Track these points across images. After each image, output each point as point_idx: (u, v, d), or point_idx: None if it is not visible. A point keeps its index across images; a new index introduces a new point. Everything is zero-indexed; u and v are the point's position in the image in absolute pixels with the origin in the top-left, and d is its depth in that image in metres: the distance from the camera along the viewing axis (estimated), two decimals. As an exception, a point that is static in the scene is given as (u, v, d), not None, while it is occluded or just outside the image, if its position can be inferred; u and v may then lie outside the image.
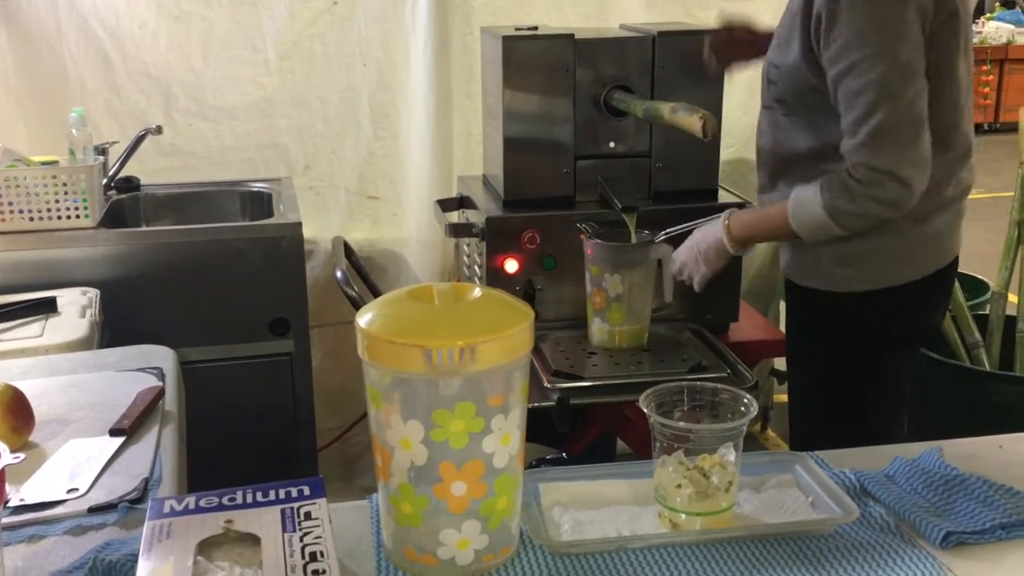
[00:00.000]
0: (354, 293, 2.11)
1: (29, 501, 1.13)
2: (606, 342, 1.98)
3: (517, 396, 0.96)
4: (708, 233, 1.77)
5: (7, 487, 1.08)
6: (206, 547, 0.89)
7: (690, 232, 1.84)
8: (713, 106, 2.03)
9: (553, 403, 1.81)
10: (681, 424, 1.05)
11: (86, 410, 1.39)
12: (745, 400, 1.08)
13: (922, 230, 1.60)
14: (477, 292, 0.99)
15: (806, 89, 1.56)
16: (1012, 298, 2.67)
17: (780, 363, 2.66)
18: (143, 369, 1.55)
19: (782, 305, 1.99)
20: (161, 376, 1.52)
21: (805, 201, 1.57)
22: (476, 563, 0.97)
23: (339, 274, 2.13)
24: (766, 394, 3.09)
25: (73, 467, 1.22)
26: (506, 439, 0.95)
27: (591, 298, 1.97)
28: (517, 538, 1.02)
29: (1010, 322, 2.62)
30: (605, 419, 2.18)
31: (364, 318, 0.95)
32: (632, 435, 2.15)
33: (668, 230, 1.93)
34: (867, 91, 1.46)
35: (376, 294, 2.50)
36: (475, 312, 0.97)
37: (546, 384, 1.84)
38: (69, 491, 1.16)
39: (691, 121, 1.61)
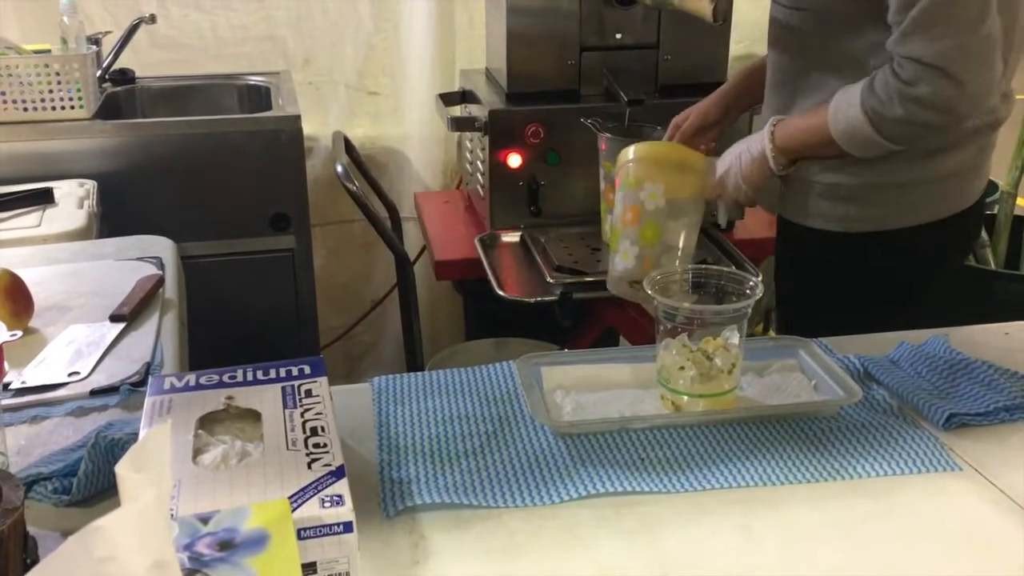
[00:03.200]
0: (355, 187, 2.08)
1: (31, 384, 1.13)
2: None
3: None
4: (751, 143, 1.45)
5: (6, 366, 1.08)
6: (207, 422, 0.89)
7: None
8: (724, -5, 1.97)
9: (556, 298, 1.81)
10: (685, 305, 1.04)
11: (85, 297, 1.38)
12: (750, 283, 1.06)
13: (928, 168, 1.37)
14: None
15: None
16: (1020, 202, 2.63)
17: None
18: (142, 258, 1.53)
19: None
20: (160, 265, 1.50)
21: (845, 103, 1.30)
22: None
23: (340, 169, 2.10)
24: (771, 295, 3.06)
25: (74, 352, 1.21)
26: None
27: (604, 195, 1.93)
28: None
29: (1018, 222, 2.58)
30: (608, 317, 2.17)
31: None
32: (636, 334, 2.15)
33: None
34: None
35: (377, 191, 2.46)
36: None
37: (549, 279, 1.83)
38: (70, 375, 1.15)
39: (701, 4, 1.55)
